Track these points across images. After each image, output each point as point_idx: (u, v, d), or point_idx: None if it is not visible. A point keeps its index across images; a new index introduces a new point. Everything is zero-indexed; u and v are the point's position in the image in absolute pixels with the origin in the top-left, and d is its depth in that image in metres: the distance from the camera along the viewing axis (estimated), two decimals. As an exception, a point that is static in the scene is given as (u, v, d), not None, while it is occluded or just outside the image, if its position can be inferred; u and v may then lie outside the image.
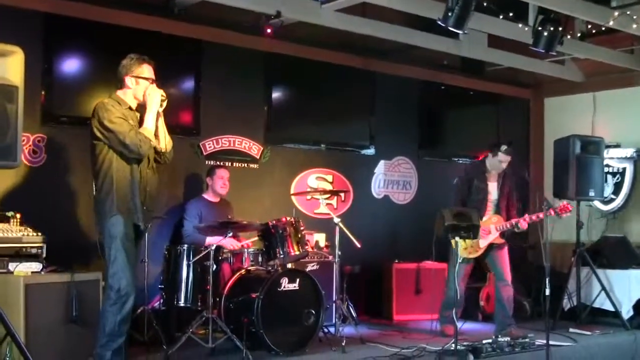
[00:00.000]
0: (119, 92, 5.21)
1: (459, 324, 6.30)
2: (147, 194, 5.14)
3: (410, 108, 9.47)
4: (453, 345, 6.05)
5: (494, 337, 6.41)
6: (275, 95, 8.35)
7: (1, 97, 4.12)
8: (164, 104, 5.18)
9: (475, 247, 7.16)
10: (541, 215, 6.87)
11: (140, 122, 5.15)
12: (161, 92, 5.17)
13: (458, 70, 9.64)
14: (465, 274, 7.28)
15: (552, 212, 6.89)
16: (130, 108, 5.17)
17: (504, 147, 7.26)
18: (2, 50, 4.15)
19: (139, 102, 5.21)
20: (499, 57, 8.96)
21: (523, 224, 7.09)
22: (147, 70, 5.21)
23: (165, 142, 5.28)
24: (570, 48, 8.43)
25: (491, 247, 7.12)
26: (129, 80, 5.17)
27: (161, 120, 5.22)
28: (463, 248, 7.02)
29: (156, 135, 5.18)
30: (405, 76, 9.29)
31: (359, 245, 6.67)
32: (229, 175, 7.19)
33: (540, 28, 7.18)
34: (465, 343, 6.22)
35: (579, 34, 8.62)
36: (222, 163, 7.51)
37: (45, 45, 6.57)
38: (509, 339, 6.38)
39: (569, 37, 7.93)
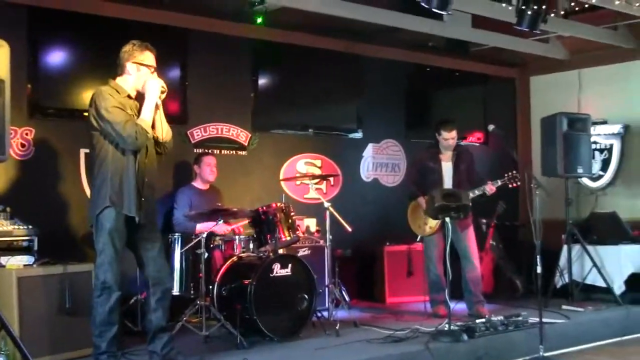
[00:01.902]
0: (119, 79, 5.10)
1: (452, 305, 6.35)
2: (145, 184, 5.04)
3: (396, 90, 9.50)
4: (446, 325, 6.10)
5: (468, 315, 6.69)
6: (262, 81, 8.38)
7: (-13, 92, 4.11)
8: (163, 95, 5.09)
9: (429, 225, 7.32)
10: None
11: (139, 111, 5.06)
12: (161, 82, 5.08)
13: (443, 51, 9.67)
14: (438, 255, 7.33)
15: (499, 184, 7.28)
16: (129, 96, 5.07)
17: (443, 125, 7.42)
18: (-13, 45, 4.15)
19: (138, 91, 5.11)
20: (484, 37, 8.99)
21: (491, 187, 7.20)
22: (149, 57, 5.12)
23: (163, 132, 5.18)
24: (554, 26, 8.47)
25: (453, 226, 6.78)
26: (130, 67, 5.06)
27: (160, 111, 5.11)
28: (417, 226, 7.39)
29: (154, 126, 5.09)
30: (391, 59, 9.31)
31: (349, 229, 6.71)
32: (216, 162, 7.23)
33: (523, 7, 7.19)
34: (458, 323, 6.27)
35: (562, 12, 8.64)
36: (210, 151, 7.55)
37: (29, 38, 6.57)
38: (486, 318, 6.49)
39: (552, 15, 7.95)
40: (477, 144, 10.11)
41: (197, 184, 7.20)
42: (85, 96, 5.09)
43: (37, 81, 6.62)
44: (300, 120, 8.62)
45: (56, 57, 6.85)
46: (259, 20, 7.62)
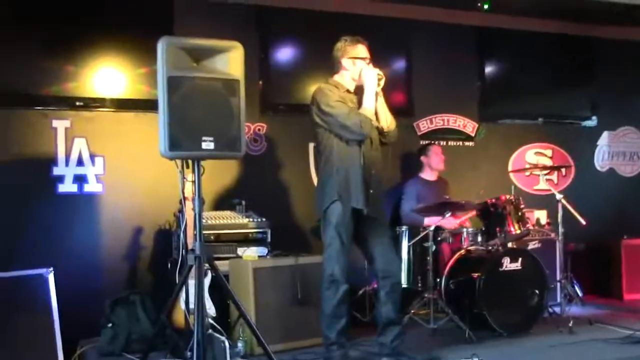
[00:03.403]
0: (336, 76, 5.26)
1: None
2: (372, 176, 5.12)
3: (635, 73, 8.95)
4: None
5: None
6: (488, 70, 8.26)
7: (225, 91, 4.36)
8: (382, 82, 5.14)
9: None
10: None
11: (359, 104, 5.14)
12: (377, 71, 5.14)
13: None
14: None
15: None
16: (348, 91, 5.21)
17: None
18: (224, 47, 4.40)
19: (357, 84, 5.22)
20: None
21: None
22: (362, 50, 5.22)
23: (387, 121, 5.27)
24: None
25: None
26: (345, 62, 5.20)
27: (380, 100, 5.21)
28: None
29: (376, 115, 5.18)
30: (628, 39, 8.80)
31: (583, 223, 6.47)
32: (442, 150, 7.27)
33: None
34: None
35: None
36: (437, 142, 7.58)
37: (260, 36, 6.94)
38: None
39: None
40: None
41: (425, 175, 7.24)
42: (312, 90, 5.27)
43: (267, 78, 6.98)
44: (529, 109, 8.41)
45: (285, 54, 7.18)
46: (486, 6, 7.50)
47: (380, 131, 5.26)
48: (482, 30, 8.09)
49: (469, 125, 8.00)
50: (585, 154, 8.69)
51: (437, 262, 6.38)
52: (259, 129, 6.92)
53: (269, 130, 6.97)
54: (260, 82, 6.93)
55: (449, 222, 6.64)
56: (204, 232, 4.81)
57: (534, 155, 8.38)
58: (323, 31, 6.77)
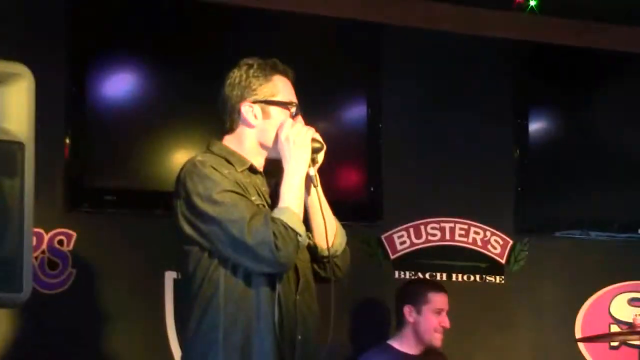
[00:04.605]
0: (228, 139, 5.13)
1: None
2: (297, 345, 4.99)
3: None
4: None
5: None
6: (536, 126, 8.47)
7: (-6, 166, 4.33)
8: (321, 156, 5.07)
9: None
10: None
11: (275, 199, 5.07)
12: (312, 131, 5.00)
13: None
14: None
15: None
16: (252, 169, 5.09)
17: None
18: (-2, 75, 4.37)
19: (269, 157, 5.14)
20: None
21: None
22: (282, 85, 5.12)
23: (328, 235, 5.10)
24: None
25: None
26: (247, 111, 5.03)
27: (316, 193, 5.05)
28: None
29: (308, 225, 5.08)
30: None
31: None
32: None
33: None
34: None
35: None
36: (429, 275, 7.71)
37: (74, 51, 6.98)
38: None
39: None
40: None
41: (401, 344, 7.32)
42: (175, 166, 5.28)
43: (83, 136, 7.00)
44: (616, 211, 8.60)
45: (121, 88, 7.22)
46: (533, 2, 7.73)
47: (316, 255, 5.24)
48: (519, 46, 8.36)
49: (494, 242, 8.17)
50: None
51: None
52: (60, 241, 6.90)
53: (82, 243, 6.96)
54: (68, 143, 6.95)
55: None
56: None
57: (628, 304, 8.55)
58: (206, 43, 6.87)
